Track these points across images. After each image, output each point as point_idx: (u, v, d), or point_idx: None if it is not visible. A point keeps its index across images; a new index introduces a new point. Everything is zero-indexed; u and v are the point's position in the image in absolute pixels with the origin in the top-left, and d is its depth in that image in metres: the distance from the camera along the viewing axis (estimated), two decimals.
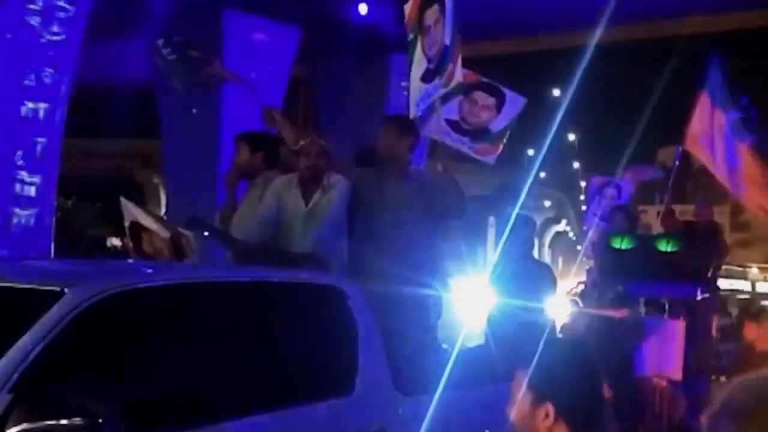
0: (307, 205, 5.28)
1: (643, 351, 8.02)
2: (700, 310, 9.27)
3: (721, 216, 13.74)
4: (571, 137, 41.75)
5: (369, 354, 4.32)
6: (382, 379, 4.36)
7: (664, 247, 8.42)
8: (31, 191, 9.55)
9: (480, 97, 6.56)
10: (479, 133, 6.61)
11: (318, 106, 16.63)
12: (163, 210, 14.72)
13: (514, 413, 2.61)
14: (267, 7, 12.05)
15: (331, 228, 5.25)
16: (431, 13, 5.57)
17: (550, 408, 2.54)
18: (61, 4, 9.15)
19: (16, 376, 3.02)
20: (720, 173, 9.50)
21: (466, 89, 6.57)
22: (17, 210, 9.53)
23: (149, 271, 4.39)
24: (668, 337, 8.04)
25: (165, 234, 5.90)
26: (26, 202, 9.56)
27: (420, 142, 5.76)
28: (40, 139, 9.39)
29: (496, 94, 6.58)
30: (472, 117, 6.57)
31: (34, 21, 9.22)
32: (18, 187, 9.48)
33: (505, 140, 6.67)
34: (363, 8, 13.26)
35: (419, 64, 5.67)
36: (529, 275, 6.42)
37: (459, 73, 5.16)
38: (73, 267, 4.83)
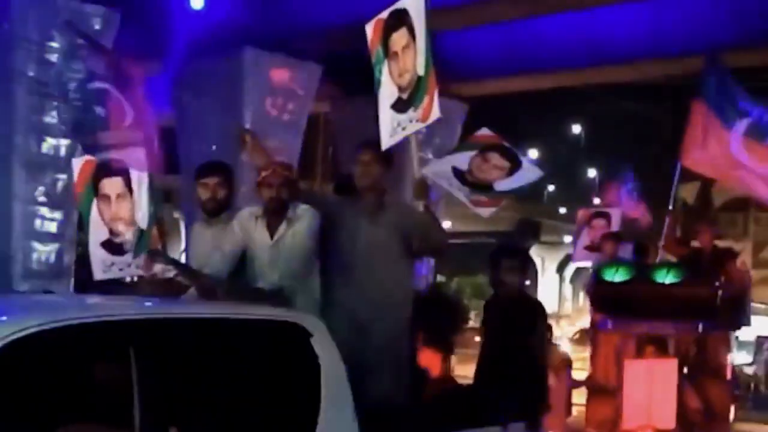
0: (272, 237, 5.09)
1: (631, 399, 7.21)
2: (709, 346, 8.69)
3: (742, 252, 13.45)
4: (592, 173, 41.60)
5: (333, 399, 3.93)
6: (346, 428, 3.99)
7: (663, 277, 7.52)
8: (52, 227, 9.58)
9: (494, 157, 6.40)
10: (480, 187, 6.46)
11: (337, 142, 16.65)
12: (182, 245, 14.70)
13: None
14: (288, 45, 12.10)
15: (299, 261, 5.06)
16: (398, 38, 5.17)
17: None
18: (83, 42, 9.23)
19: None
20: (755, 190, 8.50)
21: (482, 147, 6.44)
22: (38, 245, 9.56)
23: (88, 307, 4.00)
24: (658, 380, 7.27)
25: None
26: (47, 237, 9.59)
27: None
28: (61, 176, 9.44)
29: (513, 160, 6.40)
30: (480, 172, 6.42)
31: (56, 59, 9.31)
32: (39, 222, 9.52)
33: (504, 200, 6.51)
34: None
35: (389, 91, 5.33)
36: (511, 311, 6.01)
37: (437, 109, 4.86)
38: (7, 302, 4.39)
